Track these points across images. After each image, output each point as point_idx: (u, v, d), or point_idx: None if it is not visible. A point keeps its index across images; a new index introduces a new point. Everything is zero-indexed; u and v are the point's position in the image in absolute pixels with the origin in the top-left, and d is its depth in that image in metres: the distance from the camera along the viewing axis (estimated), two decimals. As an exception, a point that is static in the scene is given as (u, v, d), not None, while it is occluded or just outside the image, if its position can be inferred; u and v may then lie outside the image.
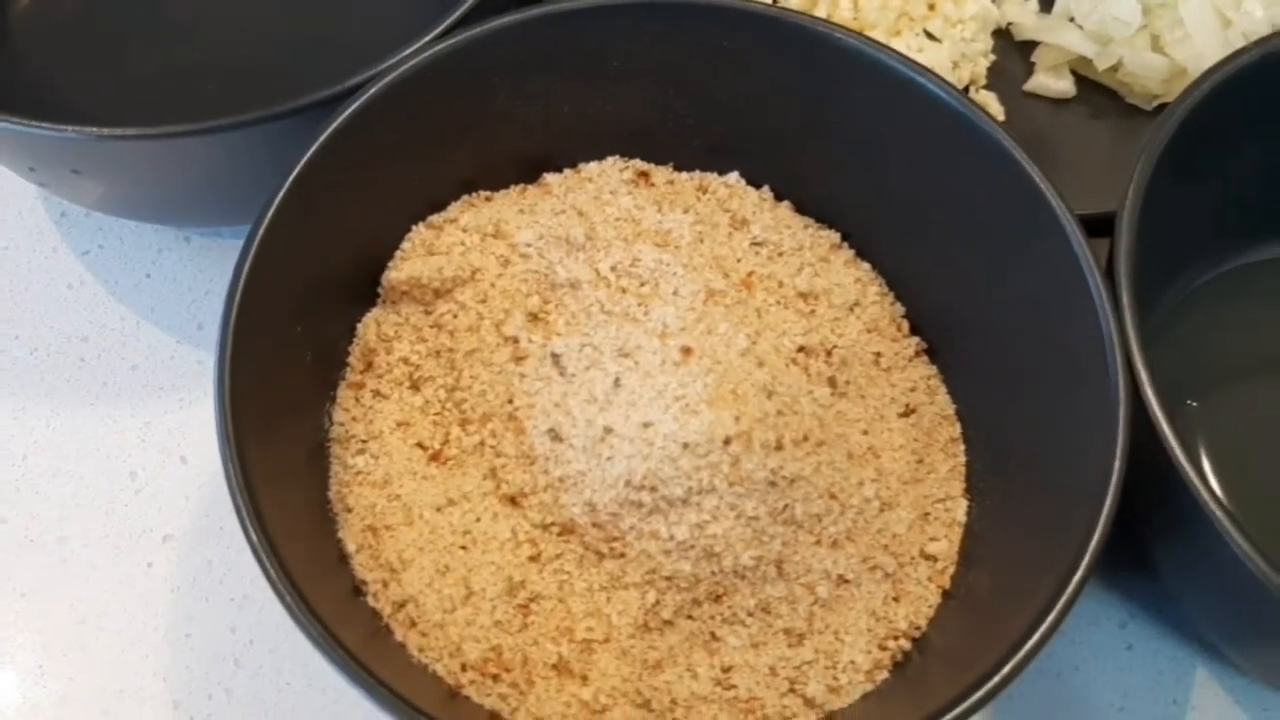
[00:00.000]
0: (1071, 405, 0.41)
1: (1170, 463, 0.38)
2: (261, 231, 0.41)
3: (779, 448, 0.41)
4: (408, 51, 0.45)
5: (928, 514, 0.44)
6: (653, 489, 0.40)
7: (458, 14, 0.46)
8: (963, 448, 0.46)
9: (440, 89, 0.45)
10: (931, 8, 0.58)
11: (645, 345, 0.43)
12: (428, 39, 0.45)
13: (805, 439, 0.42)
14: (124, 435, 0.52)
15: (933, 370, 0.48)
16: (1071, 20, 0.59)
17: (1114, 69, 0.58)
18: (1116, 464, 0.38)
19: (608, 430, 0.41)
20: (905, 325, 0.48)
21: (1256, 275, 0.54)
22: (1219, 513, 0.37)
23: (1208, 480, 0.45)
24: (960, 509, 0.45)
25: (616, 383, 0.42)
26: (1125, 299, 0.41)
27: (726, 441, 0.40)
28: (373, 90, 0.44)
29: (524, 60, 0.46)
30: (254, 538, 0.36)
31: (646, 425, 0.40)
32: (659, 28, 0.46)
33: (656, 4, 0.46)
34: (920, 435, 0.46)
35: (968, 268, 0.46)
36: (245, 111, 0.44)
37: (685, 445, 0.40)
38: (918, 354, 0.48)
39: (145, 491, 0.51)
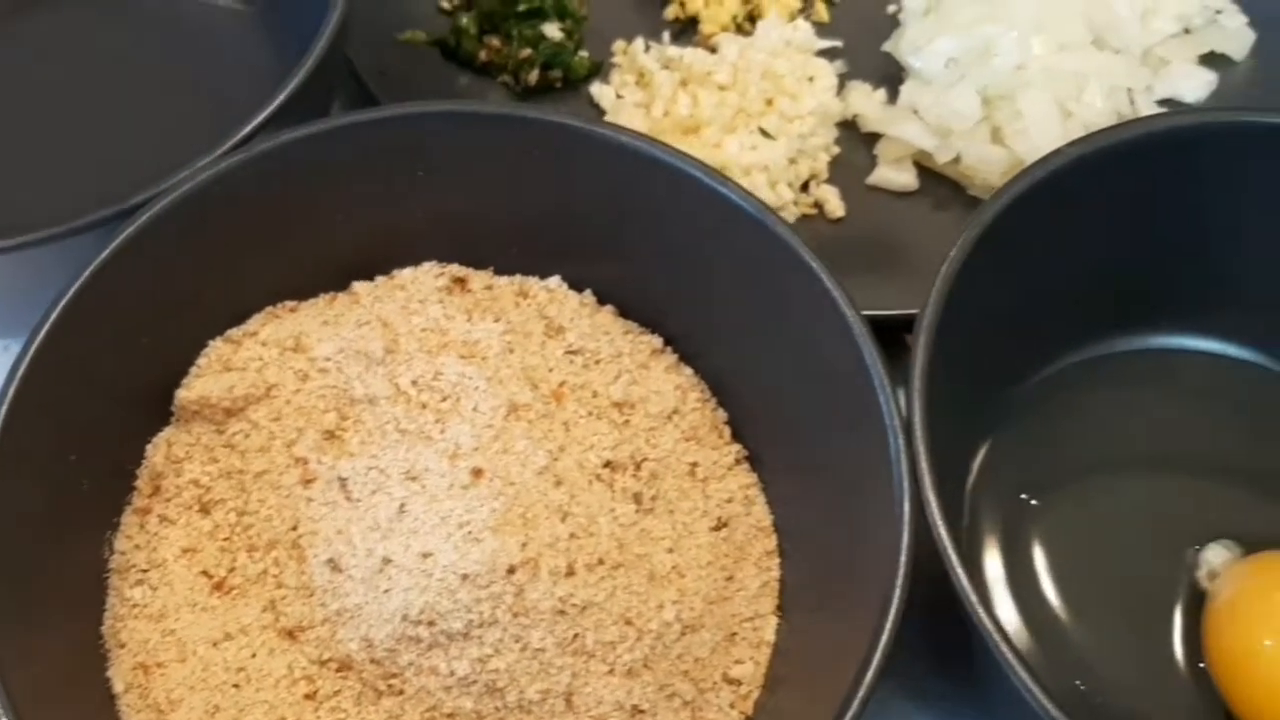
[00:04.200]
0: (869, 522, 0.40)
1: (955, 590, 0.37)
2: (26, 363, 0.39)
3: (570, 573, 0.40)
4: (197, 166, 0.44)
5: (734, 634, 0.43)
6: (430, 623, 0.39)
7: (249, 128, 0.45)
8: (778, 561, 0.45)
9: (234, 201, 0.44)
10: (769, 103, 0.57)
11: (434, 467, 0.41)
12: (219, 153, 0.44)
13: (601, 562, 0.41)
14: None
15: (753, 479, 0.47)
16: (915, 112, 0.59)
17: (955, 161, 0.58)
18: (898, 591, 0.37)
19: (386, 561, 0.39)
20: (727, 432, 0.47)
21: (1097, 369, 0.54)
22: (1002, 644, 0.36)
23: (993, 609, 0.43)
24: (769, 627, 0.43)
25: (401, 509, 0.40)
26: (917, 415, 0.40)
27: (510, 570, 0.39)
28: (155, 208, 0.42)
29: (323, 170, 0.45)
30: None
31: (426, 555, 0.39)
32: (461, 137, 0.46)
33: (455, 113, 0.45)
34: (732, 550, 0.44)
35: (779, 373, 0.45)
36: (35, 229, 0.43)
37: (465, 576, 0.39)
38: (738, 462, 0.47)
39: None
